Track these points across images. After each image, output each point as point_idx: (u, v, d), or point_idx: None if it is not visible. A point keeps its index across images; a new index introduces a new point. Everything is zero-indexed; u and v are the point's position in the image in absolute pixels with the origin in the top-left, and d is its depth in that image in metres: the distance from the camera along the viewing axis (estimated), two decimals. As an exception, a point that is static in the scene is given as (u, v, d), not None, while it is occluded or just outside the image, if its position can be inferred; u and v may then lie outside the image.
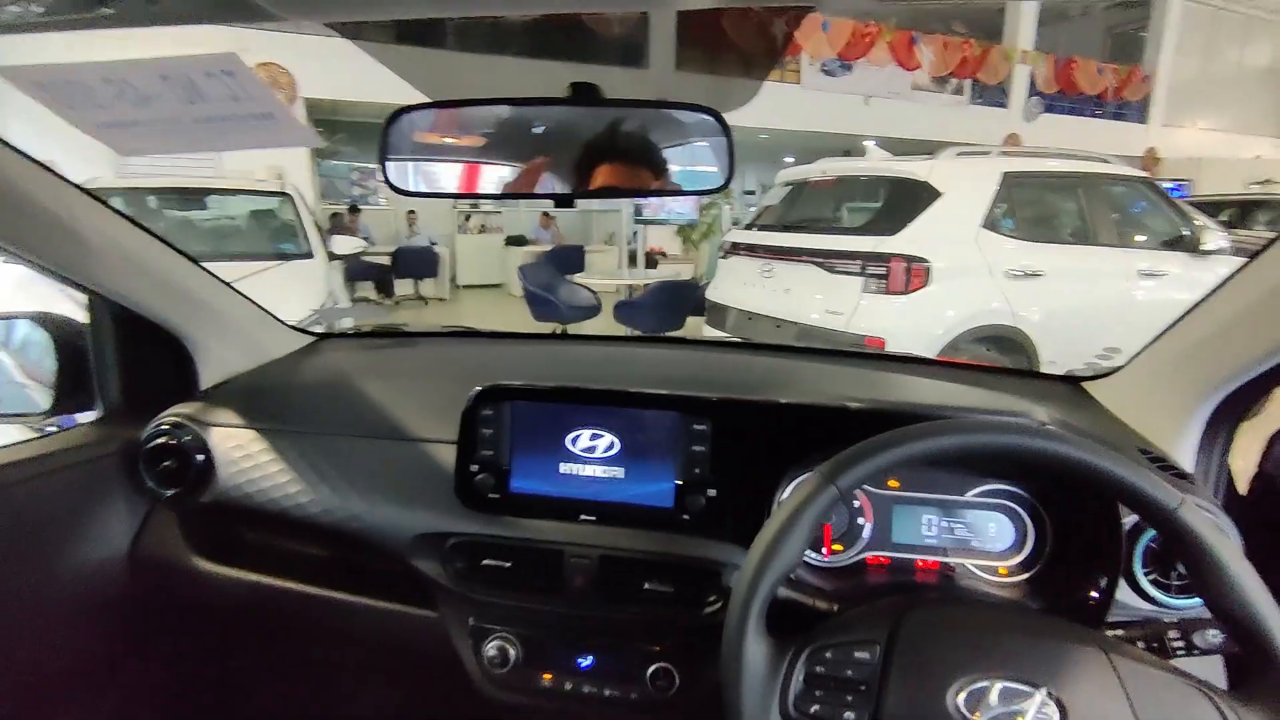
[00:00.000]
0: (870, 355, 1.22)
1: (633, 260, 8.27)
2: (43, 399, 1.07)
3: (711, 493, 0.82)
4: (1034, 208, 4.03)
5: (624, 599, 0.84)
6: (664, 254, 10.31)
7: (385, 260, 9.21)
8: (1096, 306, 3.76)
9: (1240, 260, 0.83)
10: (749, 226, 4.57)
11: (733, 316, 4.28)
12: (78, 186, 0.85)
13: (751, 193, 14.01)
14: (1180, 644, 0.63)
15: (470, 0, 0.44)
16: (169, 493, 0.97)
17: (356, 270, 8.01)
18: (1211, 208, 7.12)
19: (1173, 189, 5.27)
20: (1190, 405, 0.87)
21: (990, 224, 3.60)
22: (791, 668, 0.58)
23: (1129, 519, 0.75)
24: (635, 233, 8.53)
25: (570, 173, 0.63)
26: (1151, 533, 0.75)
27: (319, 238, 4.45)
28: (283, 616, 1.00)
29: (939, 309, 3.48)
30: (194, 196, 4.79)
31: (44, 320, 1.07)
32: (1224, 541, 0.53)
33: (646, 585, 0.82)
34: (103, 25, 0.49)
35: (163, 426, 0.97)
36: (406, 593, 0.93)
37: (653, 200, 7.72)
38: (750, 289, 4.17)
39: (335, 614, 0.97)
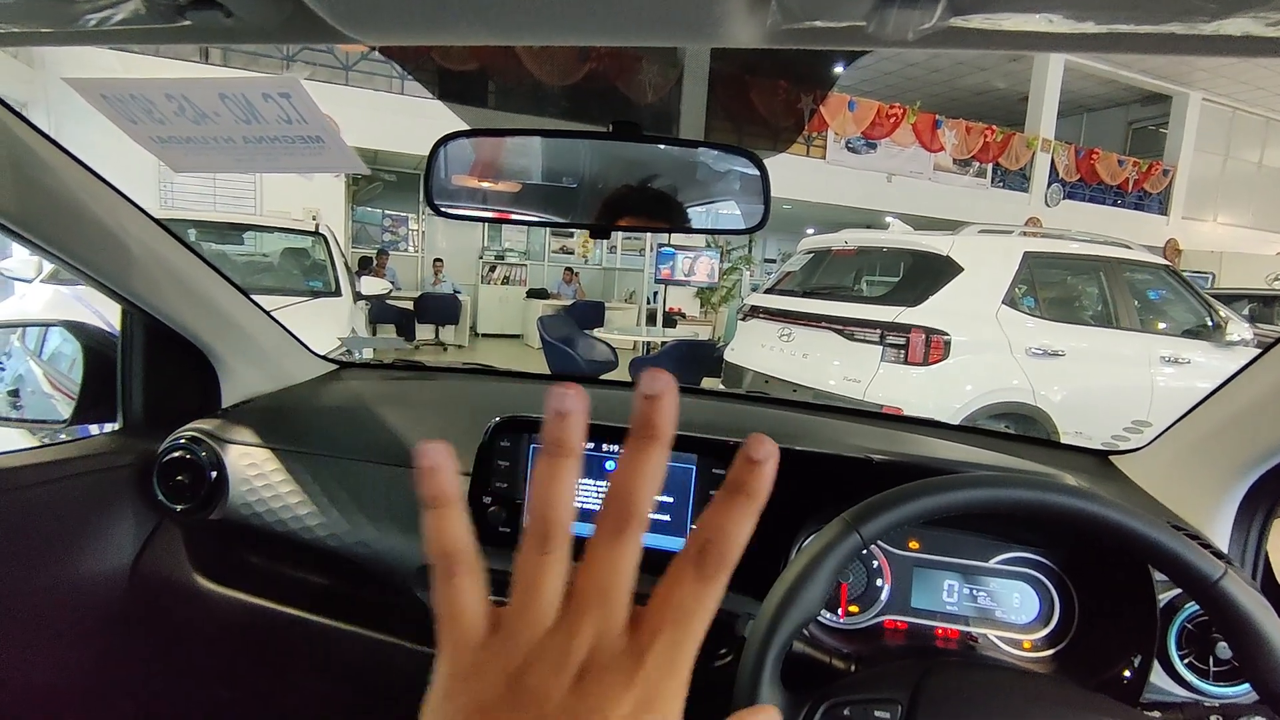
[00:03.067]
0: (891, 417, 1.20)
1: (652, 319, 8.36)
2: (65, 409, 1.08)
3: (727, 540, 0.80)
4: (1055, 288, 4.03)
5: None
6: (683, 314, 10.42)
7: (408, 305, 9.39)
8: (1118, 390, 3.71)
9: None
10: (769, 291, 4.61)
11: (749, 378, 4.27)
12: (127, 198, 0.88)
13: (773, 260, 14.20)
14: (1223, 730, 0.59)
15: (522, 29, 0.46)
16: (179, 508, 0.96)
17: (380, 313, 8.16)
18: (1233, 300, 7.10)
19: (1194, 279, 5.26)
20: (1223, 484, 0.84)
21: (1011, 301, 3.60)
22: (807, 723, 0.55)
23: (1163, 596, 0.71)
24: (655, 293, 8.65)
25: (606, 207, 0.65)
26: (1187, 613, 0.72)
27: (348, 278, 4.55)
28: (278, 642, 0.98)
29: (958, 383, 3.45)
30: (232, 231, 4.95)
31: (76, 329, 1.09)
32: (1271, 616, 0.51)
33: None
34: (180, 39, 0.51)
35: (180, 440, 0.97)
36: (407, 627, 0.91)
37: (676, 266, 7.85)
38: (768, 352, 4.17)
39: (331, 643, 0.94)
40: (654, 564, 0.85)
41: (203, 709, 1.12)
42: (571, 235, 13.18)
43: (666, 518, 0.82)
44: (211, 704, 1.12)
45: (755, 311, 4.44)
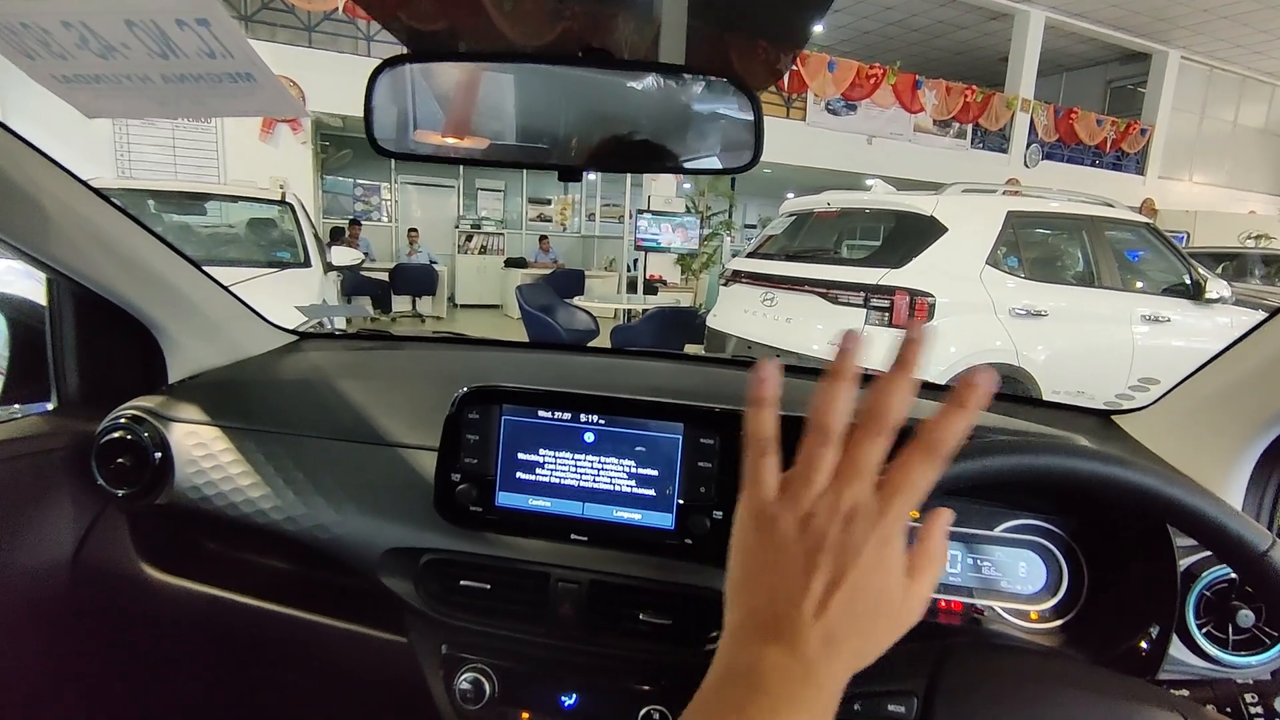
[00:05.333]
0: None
1: (632, 287, 8.25)
2: (-4, 388, 0.99)
3: (718, 515, 0.74)
4: (1038, 248, 4.00)
5: (615, 631, 0.75)
6: (664, 282, 10.30)
7: (384, 276, 9.18)
8: (1101, 349, 3.71)
9: (1241, 310, 0.77)
10: (751, 255, 4.53)
11: (732, 344, 4.21)
12: (39, 151, 0.78)
13: (753, 226, 14.08)
14: (1259, 710, 0.55)
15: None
16: (121, 493, 0.88)
17: (355, 284, 7.95)
18: (1208, 259, 7.15)
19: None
20: (1235, 446, 0.79)
21: (994, 262, 3.57)
22: None
23: (1181, 563, 0.67)
24: (636, 260, 8.52)
25: (576, 145, 0.57)
26: (1206, 580, 0.67)
27: (317, 248, 4.40)
28: (236, 634, 0.91)
29: (942, 345, 3.42)
30: (194, 201, 4.74)
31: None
32: (1324, 590, 0.46)
33: (641, 616, 0.74)
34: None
35: (120, 420, 0.89)
36: (373, 614, 0.84)
37: (655, 232, 7.71)
38: (750, 317, 4.11)
39: (293, 634, 0.87)
40: (633, 541, 0.77)
41: (164, 703, 1.06)
42: (549, 203, 12.94)
43: (650, 492, 0.76)
44: (173, 697, 1.05)
45: (737, 276, 4.36)
